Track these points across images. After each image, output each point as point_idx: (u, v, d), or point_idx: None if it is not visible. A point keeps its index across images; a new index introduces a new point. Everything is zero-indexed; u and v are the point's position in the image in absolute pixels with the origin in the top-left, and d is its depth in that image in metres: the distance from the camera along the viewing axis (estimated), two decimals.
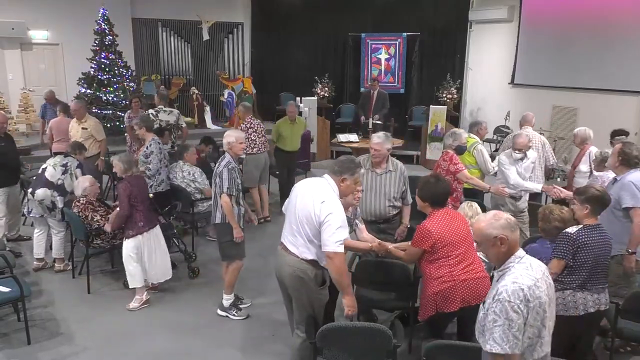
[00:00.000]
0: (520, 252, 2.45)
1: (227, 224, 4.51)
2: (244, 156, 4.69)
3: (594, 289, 3.34)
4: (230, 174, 4.48)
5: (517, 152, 5.26)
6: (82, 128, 6.93)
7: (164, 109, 7.60)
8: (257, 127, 7.15)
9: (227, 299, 4.80)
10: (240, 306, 4.88)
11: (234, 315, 4.78)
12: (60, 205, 5.40)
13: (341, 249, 3.23)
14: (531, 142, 5.69)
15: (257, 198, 7.30)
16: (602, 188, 3.59)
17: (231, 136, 4.69)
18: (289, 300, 3.61)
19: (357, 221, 4.06)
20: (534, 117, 6.57)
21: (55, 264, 5.59)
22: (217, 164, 4.64)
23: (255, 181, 7.23)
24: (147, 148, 5.94)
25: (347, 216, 3.54)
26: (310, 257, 3.34)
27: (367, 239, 3.98)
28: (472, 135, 6.04)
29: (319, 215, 3.23)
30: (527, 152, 5.34)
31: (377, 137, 4.54)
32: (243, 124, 7.22)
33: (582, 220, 3.42)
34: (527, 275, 2.34)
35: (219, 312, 4.82)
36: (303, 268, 3.36)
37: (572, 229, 3.39)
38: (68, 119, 7.36)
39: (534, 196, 6.05)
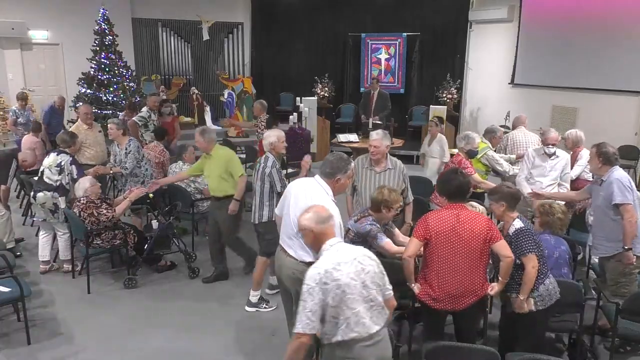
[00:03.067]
0: (333, 240, 2.67)
1: (273, 222, 4.54)
2: (283, 151, 4.91)
3: (546, 276, 3.51)
4: (279, 174, 4.58)
5: (550, 146, 5.27)
6: (99, 131, 6.91)
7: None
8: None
9: (254, 295, 4.87)
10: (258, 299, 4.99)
11: (264, 308, 4.86)
12: (62, 205, 5.37)
13: None
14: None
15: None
16: (512, 185, 3.72)
17: (272, 136, 4.69)
18: (288, 300, 3.60)
19: (388, 226, 4.07)
20: (526, 118, 6.88)
21: (64, 265, 5.58)
22: (262, 165, 4.65)
23: None
24: (126, 148, 5.97)
25: (378, 225, 3.83)
26: (308, 259, 3.33)
27: (404, 242, 3.92)
28: (484, 140, 5.98)
29: None
30: (558, 152, 5.33)
31: (376, 134, 4.54)
32: (255, 120, 7.77)
33: (503, 217, 3.55)
34: (329, 259, 2.54)
35: (248, 308, 4.86)
36: (302, 270, 3.33)
37: (518, 224, 3.47)
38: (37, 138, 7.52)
39: None
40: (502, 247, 3.38)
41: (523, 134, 6.60)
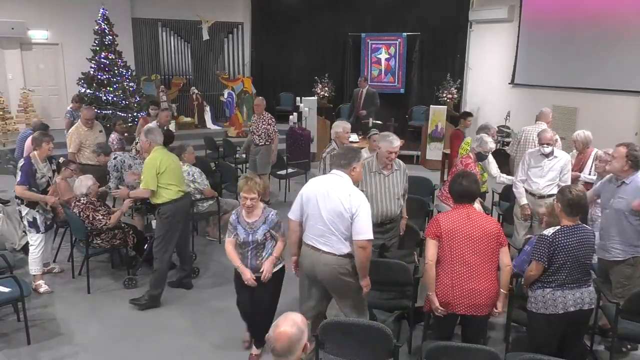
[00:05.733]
0: None
1: None
2: (347, 141, 5.40)
3: (575, 287, 3.35)
4: (331, 160, 4.98)
5: (545, 146, 5.22)
6: (100, 131, 6.91)
7: None
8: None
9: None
10: None
11: None
12: (24, 212, 5.01)
13: (372, 236, 3.46)
14: (556, 136, 5.61)
15: (267, 184, 7.89)
16: (583, 189, 3.60)
17: (339, 127, 5.36)
18: (319, 296, 3.74)
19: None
20: (550, 114, 6.68)
21: (36, 282, 5.14)
22: (324, 151, 5.28)
23: (269, 169, 7.93)
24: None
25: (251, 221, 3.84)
26: (346, 250, 3.52)
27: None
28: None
29: (350, 208, 3.42)
30: (556, 153, 5.28)
31: (396, 140, 4.52)
32: (258, 116, 7.85)
33: (562, 220, 3.43)
34: None
35: None
36: (342, 264, 3.53)
37: (549, 231, 3.39)
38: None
39: None
40: (505, 254, 3.41)
41: (538, 130, 6.43)
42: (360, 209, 3.43)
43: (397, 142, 4.53)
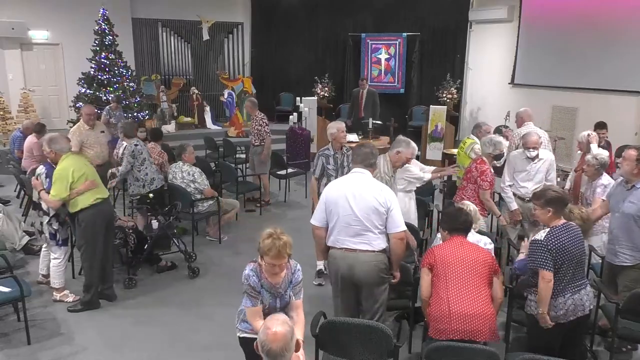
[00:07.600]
0: None
1: None
2: (344, 141, 5.46)
3: (575, 290, 3.33)
4: (319, 160, 5.20)
5: (531, 150, 5.19)
6: (102, 131, 6.91)
7: None
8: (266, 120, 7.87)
9: (318, 265, 5.41)
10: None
11: (317, 280, 5.34)
12: (46, 229, 4.75)
13: (405, 227, 3.66)
14: (541, 139, 5.60)
15: (266, 184, 7.96)
16: (559, 188, 3.59)
17: (333, 128, 5.35)
18: (354, 299, 3.76)
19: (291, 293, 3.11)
20: (530, 111, 6.55)
21: (54, 293, 4.98)
22: (319, 151, 5.42)
23: (267, 169, 7.92)
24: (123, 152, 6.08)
25: (257, 279, 2.98)
26: (384, 245, 3.63)
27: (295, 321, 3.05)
28: (471, 136, 6.01)
29: (385, 203, 3.53)
30: (541, 154, 5.24)
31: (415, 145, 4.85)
32: (255, 117, 7.72)
33: (548, 223, 3.38)
34: None
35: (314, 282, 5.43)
36: (381, 259, 3.61)
37: (540, 235, 3.34)
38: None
39: None
40: (498, 286, 3.44)
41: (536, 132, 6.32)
42: (393, 202, 3.56)
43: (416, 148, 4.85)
